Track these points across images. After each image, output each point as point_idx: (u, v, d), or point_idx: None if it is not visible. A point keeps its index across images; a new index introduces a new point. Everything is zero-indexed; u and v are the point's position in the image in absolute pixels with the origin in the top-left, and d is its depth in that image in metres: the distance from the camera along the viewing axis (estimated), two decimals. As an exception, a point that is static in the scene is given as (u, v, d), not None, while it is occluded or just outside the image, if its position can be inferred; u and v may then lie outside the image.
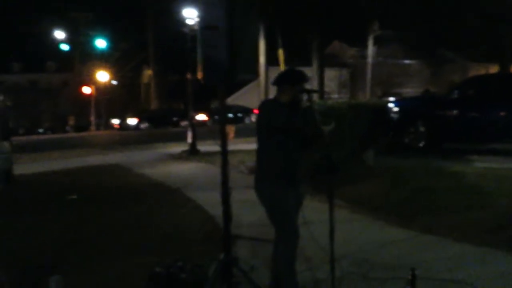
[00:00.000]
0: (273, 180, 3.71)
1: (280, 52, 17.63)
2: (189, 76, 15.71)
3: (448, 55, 45.60)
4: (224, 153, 2.99)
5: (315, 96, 4.04)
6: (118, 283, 4.32)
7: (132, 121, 36.05)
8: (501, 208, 5.95)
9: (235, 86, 40.35)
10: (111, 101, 41.79)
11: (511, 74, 21.84)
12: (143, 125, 35.00)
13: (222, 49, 2.87)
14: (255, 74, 3.29)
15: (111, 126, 38.28)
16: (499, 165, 8.71)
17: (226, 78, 2.99)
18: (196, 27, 14.87)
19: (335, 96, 39.72)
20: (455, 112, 10.88)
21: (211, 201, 6.96)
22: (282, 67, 13.56)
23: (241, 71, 2.98)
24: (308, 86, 3.76)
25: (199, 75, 2.98)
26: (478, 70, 37.29)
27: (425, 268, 4.26)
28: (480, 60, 41.00)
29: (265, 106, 3.86)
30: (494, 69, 37.40)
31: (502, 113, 10.45)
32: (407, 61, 45.80)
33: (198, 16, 2.97)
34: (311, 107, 3.62)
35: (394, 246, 5.14)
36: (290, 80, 3.72)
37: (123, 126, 36.19)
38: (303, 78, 3.72)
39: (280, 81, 3.75)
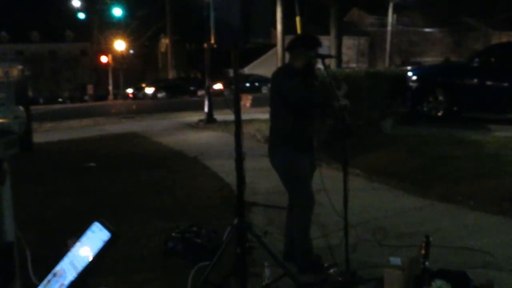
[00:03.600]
0: (288, 146, 3.69)
1: (298, 20, 17.41)
2: (206, 45, 15.60)
3: (470, 22, 44.53)
4: (238, 118, 2.97)
5: (332, 63, 3.97)
6: (136, 247, 4.39)
7: (149, 90, 36.15)
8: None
9: (253, 55, 40.16)
10: (128, 70, 41.87)
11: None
12: (160, 94, 35.08)
13: (234, 11, 2.81)
14: (269, 37, 3.23)
15: (128, 96, 38.46)
16: (518, 134, 8.56)
17: (239, 41, 2.94)
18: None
19: (354, 65, 39.22)
20: (475, 80, 10.67)
21: (227, 169, 7.01)
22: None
23: (254, 35, 2.93)
24: (323, 51, 3.70)
25: (212, 39, 2.93)
26: (500, 38, 36.42)
27: (441, 236, 4.25)
28: (503, 28, 39.98)
29: (278, 74, 3.81)
30: (517, 37, 36.44)
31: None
32: (427, 29, 44.89)
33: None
34: (326, 72, 3.57)
35: (409, 214, 5.13)
36: (304, 44, 3.66)
37: (139, 95, 36.34)
38: (318, 43, 3.65)
39: (294, 45, 3.69)
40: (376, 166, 7.15)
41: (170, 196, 6.25)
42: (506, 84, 10.41)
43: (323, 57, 3.60)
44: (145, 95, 35.74)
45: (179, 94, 34.41)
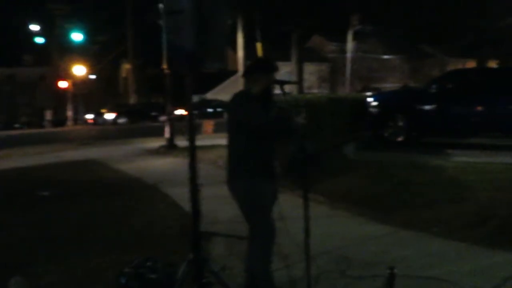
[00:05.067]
0: (247, 174, 3.54)
1: (259, 46, 17.51)
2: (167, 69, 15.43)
3: (427, 50, 45.95)
4: (192, 146, 2.81)
5: (294, 89, 3.87)
6: (89, 282, 4.12)
7: (109, 115, 35.54)
8: (481, 202, 5.88)
9: (216, 81, 40.14)
10: (88, 96, 41.11)
11: (488, 69, 22.03)
12: (120, 120, 34.53)
13: (188, 34, 2.67)
14: (224, 62, 3.09)
15: (88, 122, 37.69)
16: (477, 159, 8.69)
17: (193, 65, 2.79)
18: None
19: (315, 90, 39.69)
20: (433, 106, 10.86)
21: (187, 197, 6.76)
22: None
23: (209, 59, 2.78)
24: (284, 77, 3.61)
25: (164, 64, 2.77)
26: (456, 65, 37.63)
27: (405, 265, 4.14)
28: (458, 55, 41.40)
29: (235, 99, 3.67)
30: (470, 64, 37.80)
31: (479, 108, 10.46)
32: (386, 56, 45.99)
33: (163, 0, 2.76)
34: (284, 98, 3.46)
35: (373, 242, 5.02)
36: (260, 69, 3.55)
37: (100, 121, 35.67)
38: (274, 67, 3.56)
39: (250, 70, 3.59)
40: (339, 192, 7.07)
41: (127, 227, 5.98)
42: (462, 109, 10.63)
43: (281, 83, 3.50)
44: (106, 120, 35.11)
45: (140, 119, 33.93)
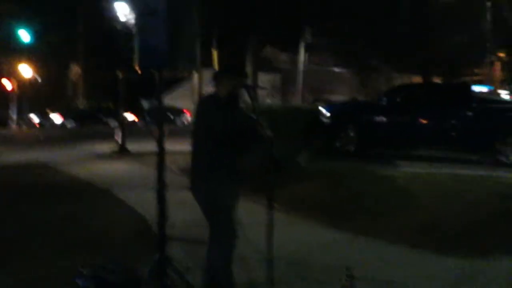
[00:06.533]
0: (211, 179, 3.57)
1: (215, 53, 17.54)
2: (120, 74, 15.20)
3: (374, 64, 47.34)
4: (161, 149, 2.81)
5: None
6: (43, 286, 4.00)
7: (57, 118, 34.52)
8: (431, 211, 6.13)
9: (168, 87, 39.72)
10: (35, 98, 39.72)
11: (433, 84, 23.00)
12: (69, 124, 33.62)
13: (162, 33, 2.68)
14: (195, 65, 3.13)
15: (33, 124, 36.40)
16: (425, 170, 9.04)
17: (165, 64, 2.80)
18: (130, 22, 14.43)
19: (268, 100, 40.03)
20: (383, 118, 11.22)
21: (141, 202, 6.71)
22: (216, 69, 13.45)
23: (181, 60, 2.80)
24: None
25: (135, 64, 2.76)
26: (402, 80, 38.97)
27: (362, 269, 4.26)
28: (404, 70, 42.94)
29: (203, 104, 3.71)
30: (416, 79, 39.30)
31: (425, 121, 10.89)
32: (337, 69, 47.00)
33: (135, 1, 2.76)
34: (253, 104, 3.52)
35: (331, 248, 5.14)
36: (229, 72, 3.61)
37: (46, 124, 34.59)
38: (243, 72, 3.63)
39: (219, 74, 3.64)
40: (295, 200, 7.16)
41: (81, 231, 5.84)
42: (410, 122, 11.04)
43: (248, 87, 3.56)
44: (53, 124, 34.07)
45: (90, 123, 33.12)
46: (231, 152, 3.59)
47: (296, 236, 5.57)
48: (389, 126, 11.15)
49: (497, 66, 27.62)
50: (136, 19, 2.78)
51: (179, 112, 34.99)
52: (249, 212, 3.76)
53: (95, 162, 12.75)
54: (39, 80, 39.92)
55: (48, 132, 27.86)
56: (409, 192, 7.01)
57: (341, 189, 7.39)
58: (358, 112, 11.91)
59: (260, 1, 22.73)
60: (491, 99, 14.14)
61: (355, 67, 45.48)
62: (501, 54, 21.32)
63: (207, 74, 4.60)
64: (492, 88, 28.62)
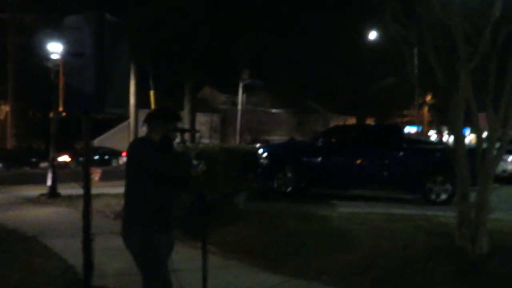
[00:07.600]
0: (144, 224, 3.43)
1: (152, 94, 17.40)
2: (52, 113, 14.68)
3: (312, 106, 48.65)
4: (87, 193, 2.67)
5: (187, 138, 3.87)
6: None
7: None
8: (366, 250, 6.19)
9: (103, 127, 38.89)
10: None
11: (366, 125, 23.84)
12: (-5, 166, 31.86)
13: (89, 76, 2.59)
14: (125, 108, 3.03)
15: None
16: (360, 209, 9.22)
17: (92, 108, 2.69)
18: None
19: (206, 140, 39.99)
20: (318, 159, 11.44)
21: (71, 249, 6.36)
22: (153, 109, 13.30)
23: (109, 103, 2.71)
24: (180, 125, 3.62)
25: (61, 106, 2.65)
26: (338, 121, 40.24)
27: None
28: (341, 112, 44.40)
29: (135, 146, 3.61)
30: (351, 120, 40.73)
31: (359, 161, 11.20)
32: (274, 110, 47.87)
33: (63, 42, 2.66)
34: (184, 146, 3.46)
35: (265, 292, 5.04)
36: (162, 117, 3.55)
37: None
38: (176, 116, 3.58)
39: (152, 118, 3.56)
40: (231, 242, 7.05)
41: (2, 283, 5.43)
42: (345, 162, 11.32)
43: (181, 131, 3.51)
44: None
45: (18, 165, 31.58)
46: (162, 194, 3.48)
47: (232, 280, 5.45)
48: (325, 166, 11.37)
49: (425, 108, 29.12)
50: (63, 59, 2.67)
51: (116, 153, 34.17)
52: (185, 258, 3.63)
53: (23, 207, 12.06)
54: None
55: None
56: (344, 232, 7.08)
57: (277, 230, 7.36)
58: (295, 153, 12.08)
59: (197, 43, 22.97)
60: (420, 140, 14.81)
61: (292, 107, 46.64)
62: (427, 98, 22.58)
63: (144, 115, 4.51)
64: (421, 128, 30.12)
